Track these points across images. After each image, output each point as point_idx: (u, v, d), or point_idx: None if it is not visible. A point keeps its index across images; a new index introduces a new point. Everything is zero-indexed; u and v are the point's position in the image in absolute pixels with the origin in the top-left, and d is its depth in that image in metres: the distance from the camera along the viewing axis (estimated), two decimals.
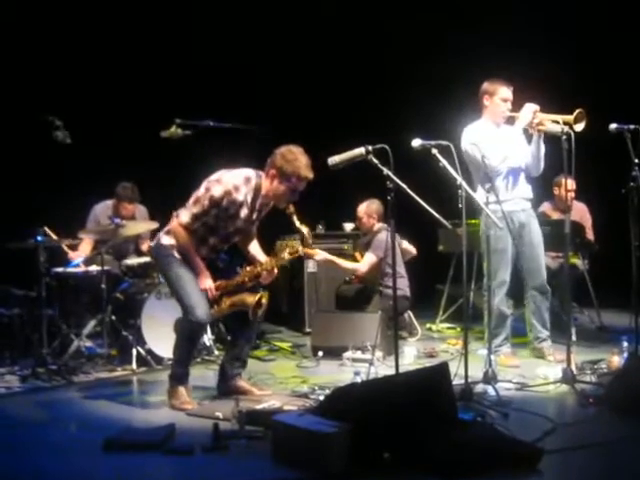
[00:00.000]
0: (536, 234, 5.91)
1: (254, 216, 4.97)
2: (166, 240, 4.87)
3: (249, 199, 4.85)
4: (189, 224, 4.77)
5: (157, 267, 5.01)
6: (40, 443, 4.23)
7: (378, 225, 6.87)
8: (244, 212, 4.86)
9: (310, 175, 4.78)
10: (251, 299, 4.87)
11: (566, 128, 5.27)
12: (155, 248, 4.98)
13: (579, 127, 5.36)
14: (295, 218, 4.93)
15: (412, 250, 7.18)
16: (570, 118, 5.35)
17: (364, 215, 6.91)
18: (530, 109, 5.61)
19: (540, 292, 5.99)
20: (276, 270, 4.98)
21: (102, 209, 6.87)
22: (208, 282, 4.77)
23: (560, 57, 8.35)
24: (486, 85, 5.87)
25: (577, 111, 5.37)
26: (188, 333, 4.79)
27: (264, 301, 4.93)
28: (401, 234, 6.79)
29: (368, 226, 6.91)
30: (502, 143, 5.69)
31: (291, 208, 4.88)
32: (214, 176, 4.83)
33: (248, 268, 4.96)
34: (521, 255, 5.89)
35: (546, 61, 8.12)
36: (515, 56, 8.06)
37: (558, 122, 5.32)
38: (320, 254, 6.88)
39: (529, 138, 5.78)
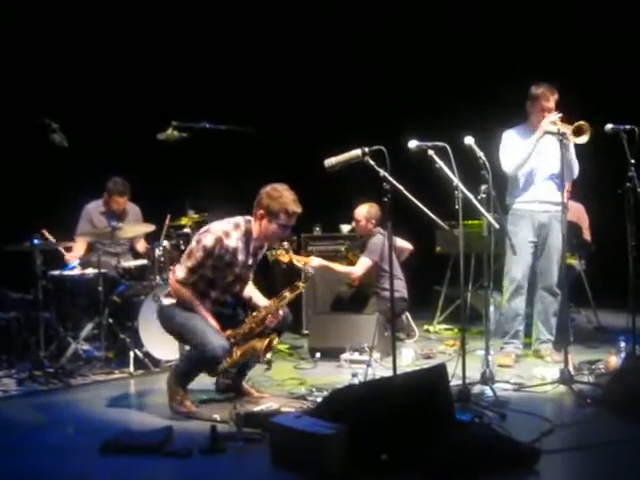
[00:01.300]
0: (555, 237, 5.90)
1: (250, 261, 4.96)
2: (167, 301, 4.86)
3: (241, 244, 4.85)
4: (185, 279, 4.75)
5: (164, 326, 4.96)
6: (37, 446, 4.23)
7: (374, 229, 6.86)
8: (240, 258, 4.86)
9: (298, 209, 4.81)
10: (260, 345, 4.85)
11: (562, 129, 5.31)
12: (158, 312, 4.97)
13: (582, 139, 5.38)
14: (292, 255, 5.02)
15: (408, 246, 7.16)
16: (580, 124, 5.40)
17: (363, 219, 6.86)
18: (548, 119, 5.65)
19: (550, 293, 6.01)
20: (281, 312, 4.99)
21: (94, 208, 6.88)
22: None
23: (557, 60, 8.36)
24: (531, 90, 5.88)
25: (580, 123, 5.39)
26: (200, 363, 4.76)
27: (274, 343, 4.97)
28: (396, 233, 6.78)
29: (366, 230, 6.88)
30: (520, 151, 5.76)
31: (285, 245, 4.89)
32: (203, 228, 4.87)
33: (253, 314, 4.93)
34: (538, 255, 5.97)
35: (543, 65, 8.12)
36: (513, 57, 8.08)
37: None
38: (314, 260, 6.87)
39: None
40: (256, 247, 4.96)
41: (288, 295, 4.99)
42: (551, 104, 5.78)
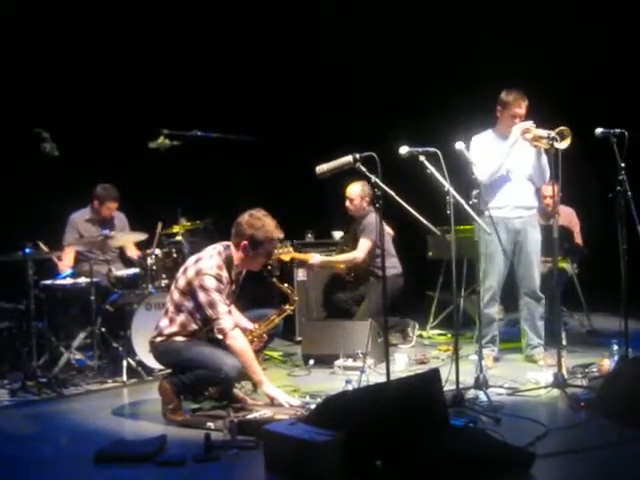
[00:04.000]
0: (531, 242, 5.92)
1: (233, 287, 4.99)
2: (158, 339, 4.85)
3: (225, 272, 4.85)
4: (234, 322, 4.75)
5: (163, 362, 5.02)
6: (31, 457, 4.21)
7: (367, 207, 6.89)
8: (228, 287, 4.89)
9: (281, 235, 4.87)
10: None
11: (552, 133, 5.31)
12: (153, 351, 4.96)
13: (564, 145, 5.35)
14: (276, 280, 5.25)
15: (389, 230, 7.19)
16: (562, 129, 5.36)
17: (357, 197, 6.88)
18: (519, 127, 5.66)
19: (533, 299, 6.02)
20: (266, 336, 5.05)
21: (79, 217, 6.87)
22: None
23: (547, 67, 8.41)
24: (502, 96, 5.87)
25: (561, 128, 5.36)
26: (212, 384, 4.76)
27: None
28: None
29: (360, 208, 6.90)
30: (494, 159, 5.75)
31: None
32: (191, 272, 4.78)
33: None
34: (515, 261, 5.97)
35: (534, 70, 8.16)
36: (504, 60, 8.11)
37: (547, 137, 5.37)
38: (315, 257, 6.98)
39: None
40: (237, 273, 4.99)
41: (276, 319, 5.07)
42: (522, 110, 5.79)
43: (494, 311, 6.01)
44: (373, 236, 6.70)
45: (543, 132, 5.50)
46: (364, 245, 6.79)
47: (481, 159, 5.75)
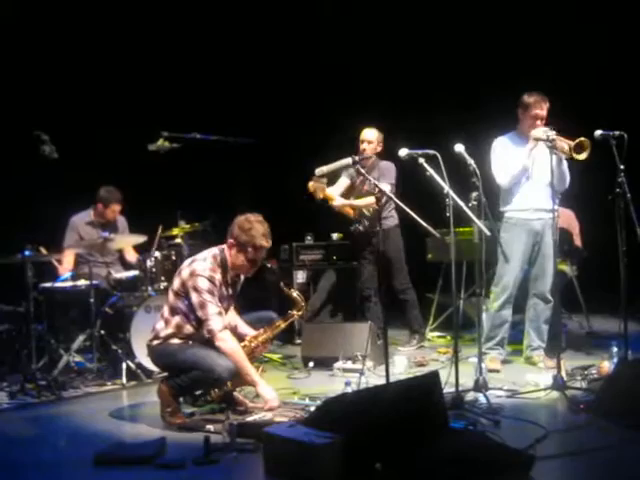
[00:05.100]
0: (548, 244, 5.90)
1: (230, 291, 4.97)
2: (155, 342, 4.84)
3: (219, 275, 4.84)
4: (224, 323, 4.74)
5: (159, 364, 5.01)
6: (30, 459, 4.20)
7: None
8: (223, 290, 4.88)
9: (266, 244, 4.79)
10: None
11: (552, 135, 5.30)
12: (150, 354, 4.96)
13: (582, 156, 5.35)
14: (284, 285, 5.18)
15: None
16: (581, 141, 5.34)
17: (375, 140, 6.91)
18: (537, 132, 5.63)
19: (542, 300, 6.01)
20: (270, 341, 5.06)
21: (80, 219, 6.84)
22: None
23: (543, 66, 8.41)
24: (523, 98, 5.85)
25: (580, 139, 5.32)
26: (205, 384, 4.77)
27: (261, 373, 4.97)
28: None
29: (375, 152, 6.89)
30: (513, 163, 5.76)
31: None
32: (185, 273, 4.79)
33: (242, 344, 4.85)
34: (532, 262, 5.98)
35: (529, 70, 8.16)
36: (504, 60, 8.12)
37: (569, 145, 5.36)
38: (337, 200, 6.96)
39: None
40: (232, 276, 4.97)
41: (282, 324, 5.05)
42: (543, 112, 5.78)
43: (508, 313, 5.99)
44: (393, 179, 6.74)
45: (542, 135, 5.48)
46: (384, 189, 6.77)
47: (502, 162, 5.79)
